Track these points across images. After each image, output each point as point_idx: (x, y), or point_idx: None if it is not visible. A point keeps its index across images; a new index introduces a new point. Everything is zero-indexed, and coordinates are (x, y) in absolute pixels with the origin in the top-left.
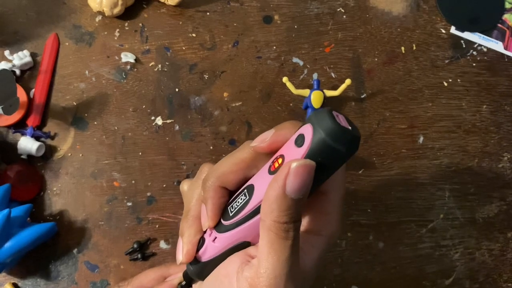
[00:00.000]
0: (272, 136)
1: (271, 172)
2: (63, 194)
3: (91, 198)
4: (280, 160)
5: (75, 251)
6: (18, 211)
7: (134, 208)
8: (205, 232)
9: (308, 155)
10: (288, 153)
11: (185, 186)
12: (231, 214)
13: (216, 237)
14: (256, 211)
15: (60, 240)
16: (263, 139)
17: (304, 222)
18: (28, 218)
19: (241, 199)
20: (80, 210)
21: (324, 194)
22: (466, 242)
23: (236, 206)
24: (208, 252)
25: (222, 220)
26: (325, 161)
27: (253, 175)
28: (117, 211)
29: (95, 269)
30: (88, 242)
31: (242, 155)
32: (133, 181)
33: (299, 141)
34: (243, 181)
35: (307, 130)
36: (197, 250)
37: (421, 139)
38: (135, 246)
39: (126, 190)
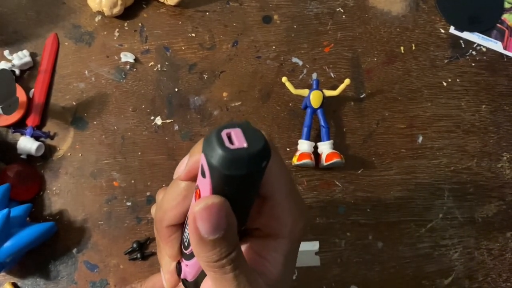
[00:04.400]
0: (187, 164)
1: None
2: (62, 194)
3: (91, 198)
4: (198, 191)
5: (74, 250)
6: (17, 210)
7: (134, 207)
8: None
9: (214, 187)
10: (200, 184)
11: (153, 211)
12: (186, 244)
13: (187, 264)
14: None
15: (60, 239)
16: (180, 169)
17: (258, 230)
18: (28, 218)
19: (187, 228)
20: (80, 209)
21: (268, 198)
22: (465, 241)
23: (187, 236)
24: (188, 274)
25: (183, 250)
26: (234, 187)
27: None
28: (116, 210)
29: (94, 268)
30: (88, 242)
31: (176, 188)
32: (132, 181)
33: (202, 172)
34: (186, 210)
35: (203, 160)
36: (180, 274)
37: (420, 139)
38: (135, 245)
39: (125, 190)
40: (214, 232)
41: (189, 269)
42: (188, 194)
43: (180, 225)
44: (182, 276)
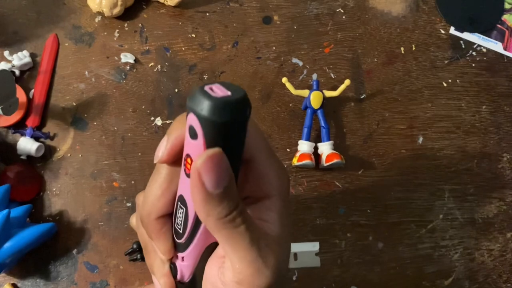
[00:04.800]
0: (167, 143)
1: (188, 174)
2: (62, 195)
3: (91, 199)
4: (189, 160)
5: (74, 251)
6: (17, 211)
7: (134, 208)
8: (170, 258)
9: (208, 143)
10: (191, 150)
11: (133, 221)
12: (181, 231)
13: (183, 257)
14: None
15: (60, 240)
16: (160, 151)
17: (248, 198)
18: (28, 219)
19: (180, 212)
20: (80, 210)
21: (250, 161)
22: (466, 242)
23: (180, 222)
24: (185, 273)
25: (177, 240)
26: (226, 138)
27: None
28: (116, 211)
29: (94, 269)
30: (88, 243)
31: (159, 176)
32: (132, 182)
33: (192, 133)
34: (174, 196)
35: (192, 119)
36: (176, 275)
37: (421, 139)
38: (135, 246)
39: (125, 191)
40: (220, 183)
41: (186, 263)
42: (173, 178)
43: (169, 216)
44: (178, 277)
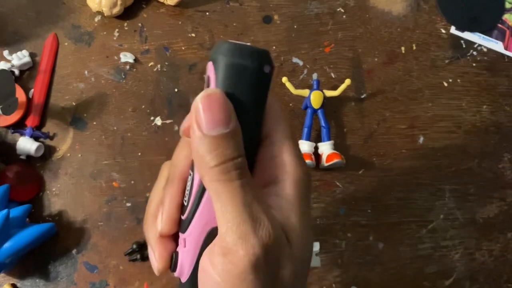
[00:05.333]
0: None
1: None
2: (62, 195)
3: (90, 199)
4: None
5: (74, 251)
6: (17, 211)
7: (134, 208)
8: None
9: (219, 86)
10: None
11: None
12: (186, 203)
13: (184, 239)
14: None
15: (59, 240)
16: (185, 126)
17: (257, 176)
18: (27, 219)
19: (189, 180)
20: (79, 210)
21: (266, 138)
22: (466, 242)
23: (187, 193)
24: (185, 265)
25: (182, 218)
26: (240, 85)
27: None
28: (116, 211)
29: (94, 269)
30: (87, 243)
31: (184, 144)
32: (132, 182)
33: (207, 82)
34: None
35: (209, 67)
36: (176, 267)
37: (421, 139)
38: (134, 246)
39: (125, 191)
40: (217, 124)
41: (187, 247)
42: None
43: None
44: (177, 273)
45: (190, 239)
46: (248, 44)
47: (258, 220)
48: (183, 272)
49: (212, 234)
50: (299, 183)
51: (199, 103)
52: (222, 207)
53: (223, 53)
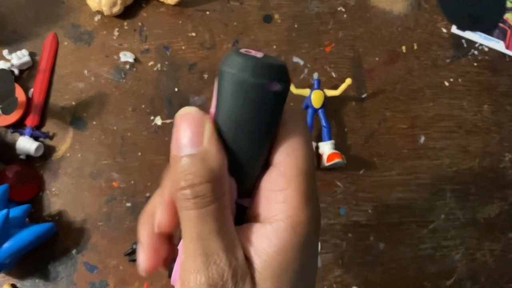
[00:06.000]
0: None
1: None
2: (61, 195)
3: (90, 199)
4: None
5: (74, 251)
6: (16, 211)
7: (133, 208)
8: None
9: (220, 109)
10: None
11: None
12: None
13: (178, 249)
14: None
15: (59, 240)
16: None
17: (256, 206)
18: (27, 219)
19: None
20: (79, 210)
21: (275, 166)
22: (467, 242)
23: None
24: (176, 276)
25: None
26: (239, 103)
27: None
28: (116, 211)
29: (94, 270)
30: (87, 243)
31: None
32: (132, 182)
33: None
34: None
35: (215, 84)
36: (170, 275)
37: (422, 139)
38: (134, 247)
39: (125, 191)
40: (184, 145)
41: (179, 259)
42: None
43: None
44: (172, 281)
45: (180, 250)
46: (264, 55)
47: (212, 257)
48: (175, 282)
49: None
50: (298, 230)
51: (177, 117)
52: (184, 232)
53: (226, 64)
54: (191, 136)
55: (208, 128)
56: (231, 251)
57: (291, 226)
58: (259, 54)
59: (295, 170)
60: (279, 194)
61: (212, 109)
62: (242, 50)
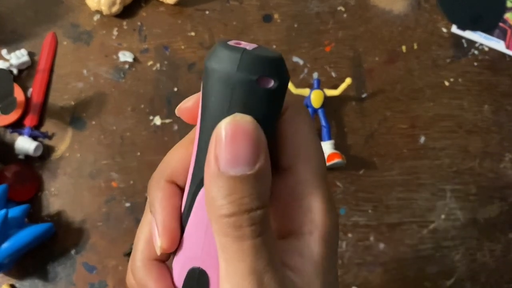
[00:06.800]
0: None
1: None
2: (60, 195)
3: (89, 199)
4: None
5: (73, 252)
6: (15, 211)
7: (133, 208)
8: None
9: (205, 110)
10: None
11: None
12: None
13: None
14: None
15: (58, 241)
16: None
17: (274, 224)
18: (26, 219)
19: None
20: (78, 210)
21: (288, 171)
22: (468, 243)
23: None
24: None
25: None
26: (224, 100)
27: None
28: (115, 212)
29: (93, 270)
30: (86, 243)
31: (183, 141)
32: (131, 182)
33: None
34: None
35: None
36: None
37: (423, 139)
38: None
39: (124, 191)
40: (238, 163)
41: (175, 276)
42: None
43: (180, 194)
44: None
45: (173, 275)
46: (257, 47)
47: None
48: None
49: (192, 277)
50: (328, 240)
51: (222, 129)
52: (227, 267)
53: (210, 58)
54: (250, 153)
55: (264, 141)
56: (284, 284)
57: (322, 238)
58: (251, 46)
59: (312, 174)
60: (300, 204)
61: (199, 111)
62: (231, 42)
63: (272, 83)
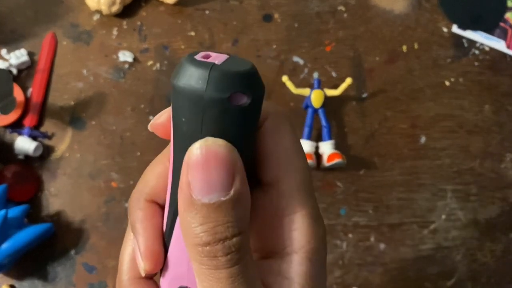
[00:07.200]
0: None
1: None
2: (60, 195)
3: (89, 199)
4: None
5: (72, 252)
6: (15, 211)
7: None
8: None
9: (176, 131)
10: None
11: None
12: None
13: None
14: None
15: (58, 241)
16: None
17: (253, 239)
18: (25, 219)
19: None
20: (78, 211)
21: (270, 187)
22: (468, 243)
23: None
24: None
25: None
26: (205, 126)
27: None
28: (115, 212)
29: (93, 270)
30: (86, 243)
31: (157, 158)
32: (131, 182)
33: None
34: None
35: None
36: None
37: (423, 139)
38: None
39: (124, 191)
40: (212, 190)
41: None
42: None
43: (161, 212)
44: None
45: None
46: (228, 58)
47: None
48: None
49: None
50: (314, 258)
51: (193, 155)
52: None
53: (176, 76)
54: (224, 178)
55: (239, 164)
56: None
57: (307, 257)
58: (220, 58)
59: (296, 188)
60: (284, 221)
61: (171, 128)
62: (199, 56)
63: (245, 99)
